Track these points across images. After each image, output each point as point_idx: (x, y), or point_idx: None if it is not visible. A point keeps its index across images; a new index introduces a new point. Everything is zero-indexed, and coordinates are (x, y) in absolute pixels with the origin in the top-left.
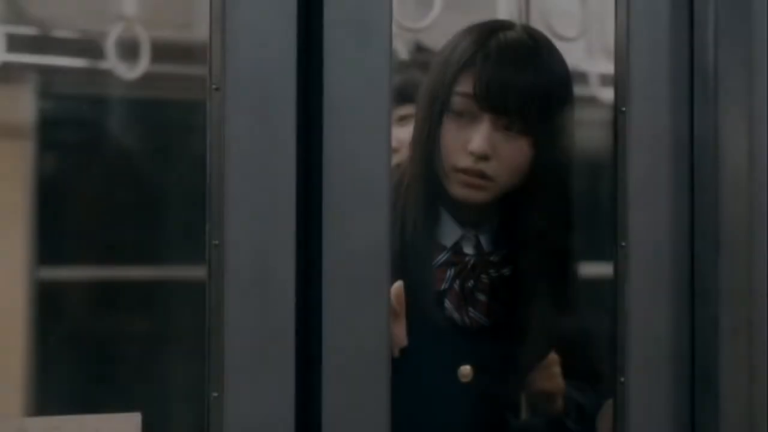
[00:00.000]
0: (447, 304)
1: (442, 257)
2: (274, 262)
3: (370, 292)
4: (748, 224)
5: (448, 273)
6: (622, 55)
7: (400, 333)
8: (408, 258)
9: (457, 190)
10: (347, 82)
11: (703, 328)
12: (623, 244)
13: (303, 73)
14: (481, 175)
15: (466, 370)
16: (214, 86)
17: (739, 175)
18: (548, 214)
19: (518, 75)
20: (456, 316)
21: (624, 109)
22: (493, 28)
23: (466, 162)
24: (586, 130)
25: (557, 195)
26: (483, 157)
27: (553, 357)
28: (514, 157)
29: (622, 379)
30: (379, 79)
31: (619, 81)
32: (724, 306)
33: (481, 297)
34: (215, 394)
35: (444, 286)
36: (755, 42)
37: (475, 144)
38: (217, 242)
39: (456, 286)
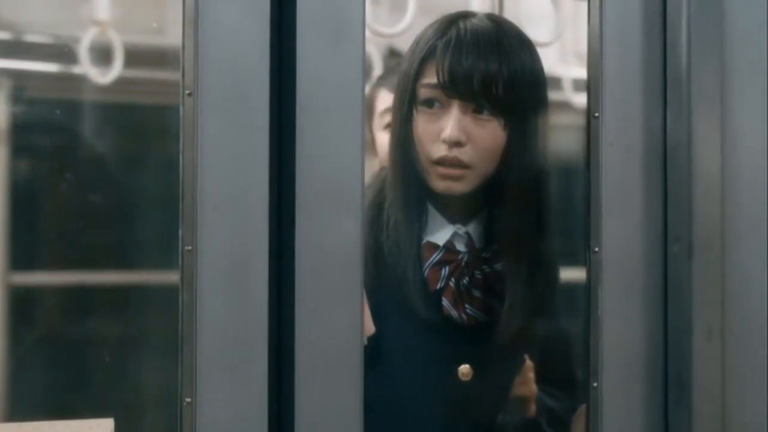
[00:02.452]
0: (444, 302)
1: (436, 256)
2: (247, 266)
3: (343, 294)
4: (721, 229)
5: (443, 272)
6: (595, 60)
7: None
8: (401, 260)
9: (438, 183)
10: (320, 87)
11: (677, 333)
12: (596, 249)
13: (276, 77)
14: (458, 164)
15: (466, 369)
16: (187, 91)
17: (712, 179)
18: (531, 206)
19: (481, 59)
20: (454, 313)
21: (597, 114)
22: (454, 19)
23: (441, 151)
24: (559, 134)
25: (536, 183)
26: (457, 144)
27: (528, 363)
28: (488, 140)
29: (595, 384)
30: (352, 83)
31: (592, 86)
32: (697, 310)
33: (477, 293)
34: (188, 400)
35: (440, 285)
36: (728, 47)
37: (448, 132)
38: (189, 247)
39: (451, 284)
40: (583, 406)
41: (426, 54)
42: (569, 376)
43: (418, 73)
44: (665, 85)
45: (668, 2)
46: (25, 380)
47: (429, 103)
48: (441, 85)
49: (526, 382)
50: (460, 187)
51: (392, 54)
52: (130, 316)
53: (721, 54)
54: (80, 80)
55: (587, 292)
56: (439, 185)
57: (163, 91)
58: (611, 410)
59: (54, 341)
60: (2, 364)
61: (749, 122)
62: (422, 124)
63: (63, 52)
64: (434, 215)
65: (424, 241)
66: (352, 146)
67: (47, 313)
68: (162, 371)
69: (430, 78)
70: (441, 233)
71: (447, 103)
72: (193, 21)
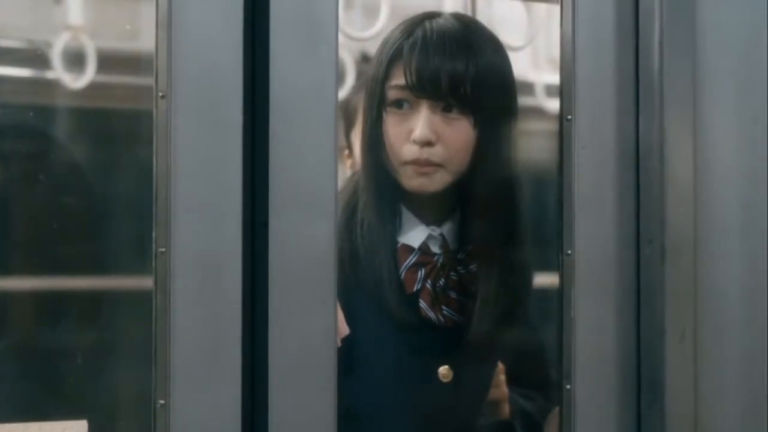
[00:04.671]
0: (422, 304)
1: (411, 259)
2: (221, 268)
3: (316, 297)
4: (693, 231)
5: (419, 274)
6: (567, 64)
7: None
8: (377, 262)
9: (410, 181)
10: (294, 90)
11: (649, 335)
12: (569, 252)
13: (249, 80)
14: (429, 163)
15: (445, 370)
16: (160, 94)
17: (684, 182)
18: (504, 206)
19: (448, 58)
20: (431, 315)
21: (570, 117)
22: (420, 20)
23: (412, 152)
24: (531, 137)
25: (508, 183)
26: (427, 143)
27: (500, 366)
28: (458, 138)
29: (569, 386)
30: (325, 87)
31: (565, 89)
32: (670, 312)
33: (453, 294)
34: (162, 402)
35: (417, 287)
36: (700, 51)
37: (418, 132)
38: (163, 249)
39: (428, 285)
40: (557, 408)
41: (393, 55)
42: (545, 377)
43: (386, 76)
44: (638, 88)
45: (641, 6)
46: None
47: (398, 104)
48: (409, 86)
49: (498, 385)
50: (432, 185)
51: (365, 58)
52: (104, 318)
53: (693, 58)
54: (53, 85)
55: (560, 294)
56: (412, 183)
57: (137, 94)
58: (584, 412)
59: (28, 345)
60: None
61: (721, 125)
62: (392, 125)
63: (36, 57)
64: (408, 217)
65: (399, 244)
66: (325, 150)
67: (21, 316)
68: (136, 373)
69: (398, 79)
70: (415, 235)
71: (416, 104)
72: (166, 24)
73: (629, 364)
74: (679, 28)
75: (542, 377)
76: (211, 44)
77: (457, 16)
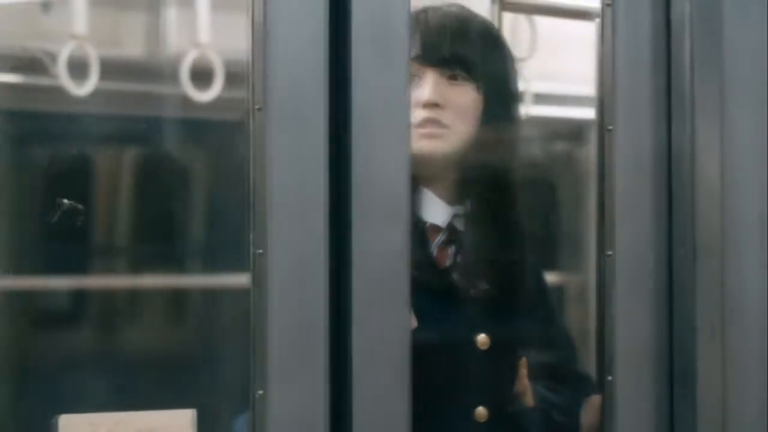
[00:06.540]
0: (455, 278)
1: (440, 237)
2: (310, 267)
3: (393, 294)
4: (722, 233)
5: (449, 250)
6: (607, 78)
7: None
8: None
9: (418, 144)
10: (371, 101)
11: (682, 330)
12: (609, 253)
13: (332, 93)
14: (437, 124)
15: (483, 338)
16: (257, 106)
17: (713, 187)
18: (518, 182)
19: (448, 29)
20: (466, 288)
21: (610, 127)
22: (424, 9)
23: (420, 115)
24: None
25: (519, 156)
26: (434, 105)
27: (522, 360)
28: (464, 102)
29: (610, 378)
30: (398, 96)
31: (606, 102)
32: (700, 309)
33: (482, 267)
34: (260, 392)
35: (449, 262)
36: (727, 65)
37: (425, 95)
38: (261, 251)
39: (459, 260)
40: (591, 398)
41: None
42: (571, 345)
43: None
44: (670, 100)
45: (672, 24)
46: (114, 374)
47: None
48: (414, 57)
49: (520, 378)
50: (440, 147)
51: None
52: (208, 313)
53: (721, 71)
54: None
55: (601, 292)
56: (420, 146)
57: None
58: (624, 402)
59: (140, 339)
60: (100, 360)
61: (747, 134)
62: None
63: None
64: (432, 198)
65: (427, 224)
66: (399, 156)
67: (132, 312)
68: (237, 366)
69: None
70: (441, 215)
71: (423, 73)
72: (262, 39)
73: (664, 358)
74: (708, 43)
75: (568, 346)
76: (299, 58)
77: (458, 4)
